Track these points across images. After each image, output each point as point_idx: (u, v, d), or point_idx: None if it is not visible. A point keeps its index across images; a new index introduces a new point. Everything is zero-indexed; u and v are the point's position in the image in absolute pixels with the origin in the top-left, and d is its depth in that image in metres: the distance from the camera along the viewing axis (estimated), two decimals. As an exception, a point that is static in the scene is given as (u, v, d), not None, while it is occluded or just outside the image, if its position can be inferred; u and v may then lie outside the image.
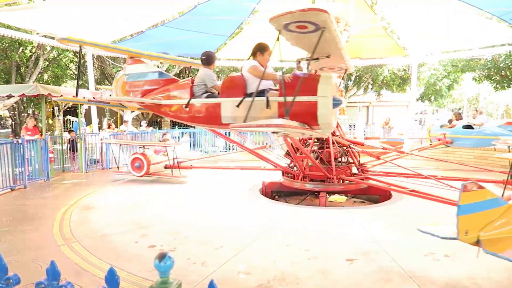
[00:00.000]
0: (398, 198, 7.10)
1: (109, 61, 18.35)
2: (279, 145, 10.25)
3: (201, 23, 12.74)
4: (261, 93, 4.58)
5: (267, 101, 4.50)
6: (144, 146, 9.88)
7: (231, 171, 9.55)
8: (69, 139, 11.79)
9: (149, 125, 19.43)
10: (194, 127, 21.85)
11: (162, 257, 1.29)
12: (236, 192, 7.73)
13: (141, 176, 9.28)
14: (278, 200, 7.71)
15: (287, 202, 7.41)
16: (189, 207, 6.70)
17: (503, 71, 18.86)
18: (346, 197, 7.98)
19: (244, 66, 4.75)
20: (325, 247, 4.59)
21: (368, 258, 4.24)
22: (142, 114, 23.43)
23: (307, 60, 4.60)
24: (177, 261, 4.12)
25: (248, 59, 4.86)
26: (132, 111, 19.60)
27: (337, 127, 7.80)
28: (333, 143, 7.38)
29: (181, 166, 9.62)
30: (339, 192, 7.68)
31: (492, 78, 19.97)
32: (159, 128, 21.26)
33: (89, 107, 15.29)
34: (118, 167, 10.67)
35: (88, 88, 13.85)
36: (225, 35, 14.52)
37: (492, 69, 17.96)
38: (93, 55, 14.03)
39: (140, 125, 16.82)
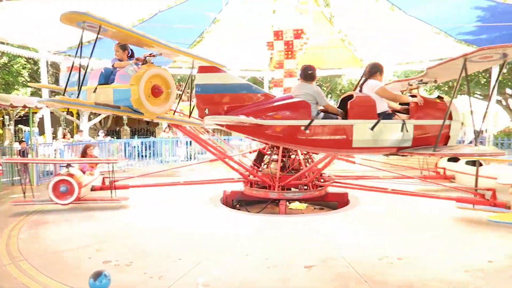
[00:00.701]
0: (355, 203, 7.36)
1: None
2: (238, 155, 10.21)
3: (161, 30, 12.60)
4: (387, 115, 4.54)
5: (403, 124, 4.47)
6: (68, 164, 7.47)
7: (192, 178, 9.31)
8: (20, 150, 11.13)
9: (107, 134, 18.79)
10: (155, 136, 21.42)
11: (97, 275, 1.25)
12: (196, 202, 7.61)
13: (68, 204, 7.08)
14: (239, 209, 7.70)
15: (248, 211, 7.42)
16: (147, 220, 6.50)
17: (450, 82, 20.15)
18: (306, 204, 8.12)
19: (370, 86, 4.59)
20: (284, 255, 4.63)
21: (326, 264, 4.33)
22: (100, 122, 22.65)
23: (421, 83, 4.96)
24: (133, 275, 4.01)
25: (367, 79, 4.70)
26: (89, 120, 18.91)
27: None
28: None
29: (116, 186, 7.70)
30: (314, 199, 7.76)
31: (441, 89, 21.30)
32: (117, 138, 20.60)
33: (43, 115, 14.56)
34: (24, 194, 7.39)
35: (41, 96, 13.20)
36: (187, 44, 14.45)
37: (441, 80, 19.13)
38: (47, 61, 13.41)
39: (98, 135, 16.21)
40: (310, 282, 3.88)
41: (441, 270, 4.12)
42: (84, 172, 7.91)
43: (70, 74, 5.39)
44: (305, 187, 7.46)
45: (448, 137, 4.74)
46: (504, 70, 16.16)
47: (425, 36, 12.85)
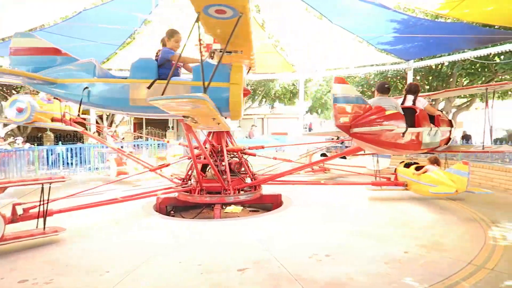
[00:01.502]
0: (288, 204, 7.59)
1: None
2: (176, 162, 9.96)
3: (87, 30, 11.86)
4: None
5: (437, 131, 6.21)
6: None
7: (121, 185, 8.69)
8: None
9: (26, 141, 17.18)
10: (83, 142, 20.04)
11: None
12: (127, 211, 7.23)
13: None
14: (173, 216, 7.51)
15: (183, 217, 7.28)
16: (69, 231, 5.80)
17: (373, 88, 21.76)
18: (242, 208, 8.19)
19: (422, 103, 6.16)
20: (218, 259, 4.62)
21: (259, 266, 4.40)
22: (18, 128, 20.66)
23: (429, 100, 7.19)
24: (53, 294, 3.68)
25: (416, 97, 6.23)
26: (5, 126, 17.15)
27: (230, 137, 8.07)
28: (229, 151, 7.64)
29: (35, 214, 5.39)
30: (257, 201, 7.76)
31: (366, 94, 22.91)
32: (39, 145, 18.92)
33: None
34: None
35: None
36: (116, 45, 13.80)
37: (365, 86, 20.57)
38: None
39: (15, 142, 14.74)
40: (243, 285, 3.91)
41: (364, 263, 4.42)
42: None
43: (178, 60, 4.90)
44: (254, 188, 7.59)
45: (449, 139, 6.78)
46: (418, 77, 17.89)
47: (350, 44, 13.74)
